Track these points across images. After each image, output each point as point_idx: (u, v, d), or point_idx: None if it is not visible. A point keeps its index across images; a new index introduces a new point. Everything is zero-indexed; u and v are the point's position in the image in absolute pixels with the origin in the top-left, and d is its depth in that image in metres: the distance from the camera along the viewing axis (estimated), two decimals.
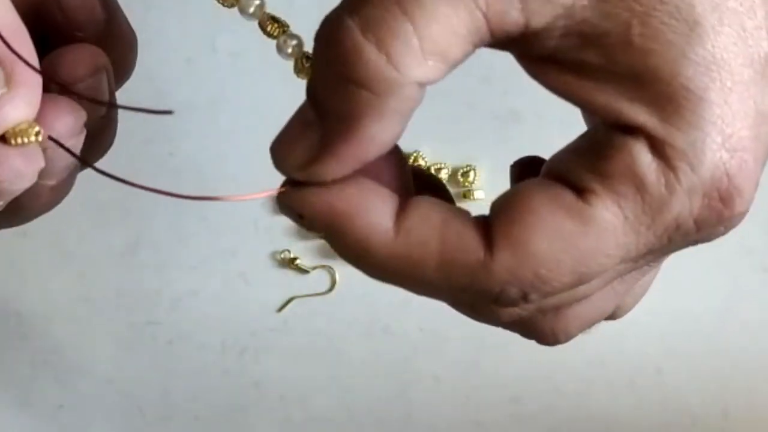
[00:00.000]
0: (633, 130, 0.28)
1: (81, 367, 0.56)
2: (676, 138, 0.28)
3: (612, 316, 0.35)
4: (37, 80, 0.30)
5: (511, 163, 0.34)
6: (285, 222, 0.58)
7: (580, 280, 0.29)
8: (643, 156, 0.28)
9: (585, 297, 0.31)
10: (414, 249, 0.29)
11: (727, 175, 0.28)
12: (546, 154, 0.32)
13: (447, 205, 0.30)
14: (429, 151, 0.57)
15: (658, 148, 0.28)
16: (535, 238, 0.29)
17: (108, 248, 0.58)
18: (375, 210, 0.29)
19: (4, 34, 0.28)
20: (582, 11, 0.28)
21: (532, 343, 0.54)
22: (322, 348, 0.57)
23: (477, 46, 0.29)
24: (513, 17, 0.28)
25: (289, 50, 0.31)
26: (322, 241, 0.58)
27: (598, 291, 0.31)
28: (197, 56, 0.59)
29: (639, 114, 0.28)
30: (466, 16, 0.28)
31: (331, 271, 0.58)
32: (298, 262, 0.58)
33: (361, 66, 0.27)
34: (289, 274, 0.58)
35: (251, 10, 0.32)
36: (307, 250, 0.58)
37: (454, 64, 0.29)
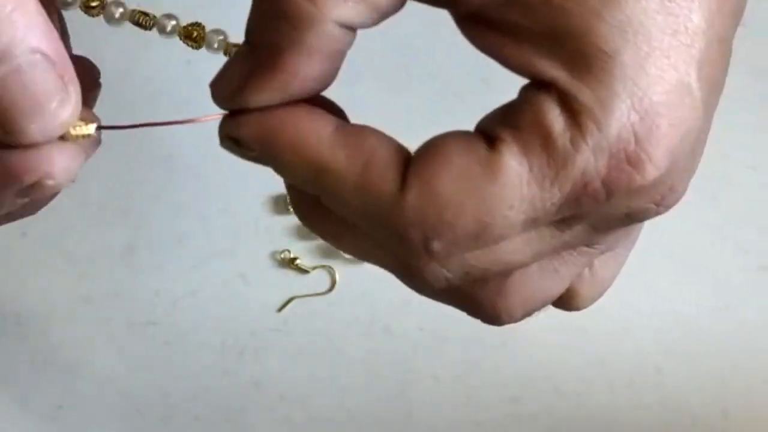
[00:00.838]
0: (546, 86, 0.29)
1: (80, 367, 0.56)
2: (585, 94, 0.28)
3: (569, 305, 0.35)
4: (77, 78, 0.31)
5: None
6: (285, 222, 0.59)
7: (485, 232, 0.29)
8: (551, 110, 0.28)
9: (508, 265, 0.31)
10: (339, 161, 0.30)
11: (635, 136, 0.28)
12: None
13: (387, 136, 0.31)
14: None
15: (567, 103, 0.28)
16: (441, 178, 0.29)
17: (108, 248, 0.58)
18: (311, 117, 0.30)
19: (42, 34, 0.29)
20: None
21: (532, 343, 0.54)
22: (322, 348, 0.57)
23: None
24: None
25: None
26: (322, 241, 0.58)
27: (527, 262, 0.31)
28: (197, 57, 0.59)
29: (551, 69, 0.28)
30: None
31: (331, 271, 0.58)
32: (298, 262, 0.58)
33: (283, 2, 0.29)
34: (289, 274, 0.58)
35: (215, 45, 0.34)
36: (307, 250, 0.58)
37: (381, 12, 0.30)
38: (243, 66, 0.30)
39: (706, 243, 0.58)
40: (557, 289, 0.33)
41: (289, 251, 0.58)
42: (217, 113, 0.32)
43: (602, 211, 0.30)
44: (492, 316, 0.33)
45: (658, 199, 0.30)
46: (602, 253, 0.34)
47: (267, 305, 0.57)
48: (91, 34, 0.59)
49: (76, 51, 0.35)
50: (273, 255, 0.58)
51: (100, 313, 0.57)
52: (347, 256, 0.57)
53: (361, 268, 0.57)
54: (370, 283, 0.57)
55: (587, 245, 0.33)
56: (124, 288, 0.57)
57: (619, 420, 0.56)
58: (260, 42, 0.30)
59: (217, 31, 0.35)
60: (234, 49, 0.34)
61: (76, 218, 0.59)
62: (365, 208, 0.30)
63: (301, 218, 0.33)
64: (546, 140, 0.28)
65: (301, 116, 0.30)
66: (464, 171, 0.29)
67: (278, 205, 0.59)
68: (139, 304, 0.57)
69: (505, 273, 0.32)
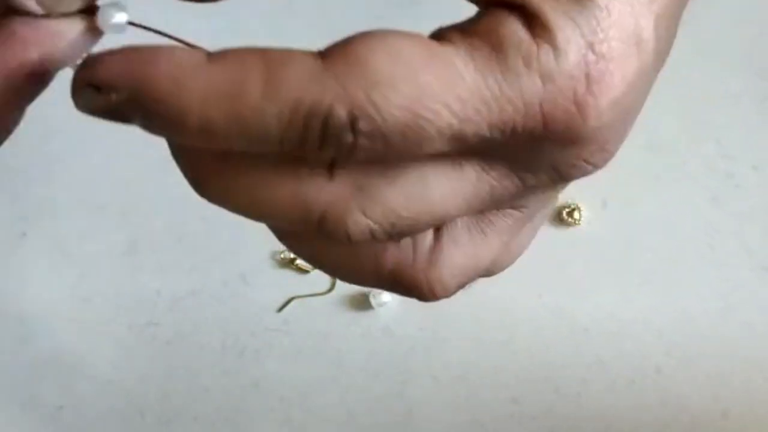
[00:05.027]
0: (513, 6, 0.27)
1: (81, 367, 0.56)
2: (551, 20, 0.27)
3: (488, 272, 0.33)
4: None
5: None
6: None
7: (413, 128, 0.26)
8: (511, 24, 0.27)
9: (436, 215, 0.29)
10: (234, 71, 0.25)
11: (587, 77, 0.27)
12: None
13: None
14: None
15: (530, 23, 0.27)
16: (376, 54, 0.26)
17: (108, 248, 0.58)
18: (180, 50, 0.26)
19: None
20: None
21: (532, 342, 0.54)
22: (322, 348, 0.57)
23: None
24: None
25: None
26: None
27: (454, 213, 0.29)
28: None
29: None
30: None
31: None
32: (298, 262, 0.58)
33: None
34: (289, 274, 0.58)
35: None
36: None
37: None
38: None
39: (707, 243, 0.58)
40: (488, 255, 0.31)
41: (289, 251, 0.58)
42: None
43: (531, 153, 0.29)
44: (426, 291, 0.31)
45: (588, 155, 0.29)
46: (529, 220, 0.32)
47: (267, 305, 0.57)
48: None
49: None
50: (273, 255, 0.58)
51: (100, 313, 0.57)
52: None
53: None
54: None
55: (513, 207, 0.31)
56: (125, 288, 0.57)
57: (619, 420, 0.56)
58: None
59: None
60: None
61: (76, 218, 0.59)
62: (282, 104, 0.25)
63: (193, 183, 0.29)
64: (498, 49, 0.27)
65: (166, 47, 0.26)
66: (400, 52, 0.26)
67: None
68: (140, 304, 0.57)
69: (434, 227, 0.30)
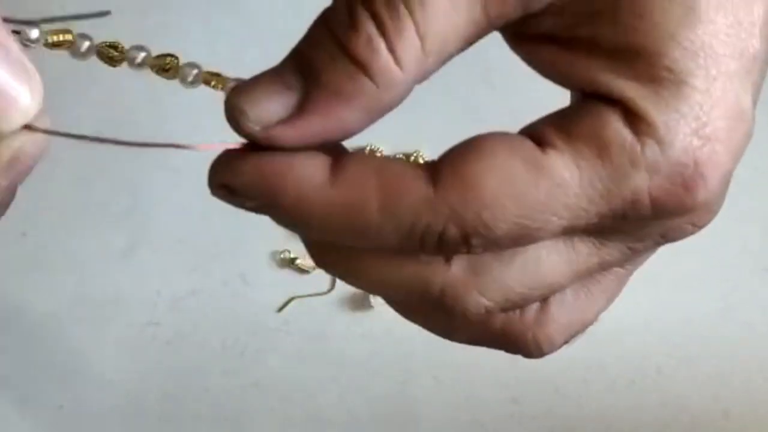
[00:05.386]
0: (612, 102, 0.28)
1: (81, 367, 0.56)
2: (652, 115, 0.27)
3: (592, 324, 0.34)
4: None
5: None
6: None
7: (523, 233, 0.28)
8: (614, 123, 0.28)
9: (548, 288, 0.30)
10: (353, 194, 0.28)
11: (695, 161, 0.28)
12: None
13: (385, 157, 0.29)
14: (429, 151, 0.57)
15: (631, 120, 0.28)
16: (483, 176, 0.27)
17: (108, 249, 0.58)
18: (306, 164, 0.28)
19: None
20: None
21: None
22: (322, 348, 0.57)
23: (475, 39, 0.29)
24: (511, 5, 0.28)
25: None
26: None
27: (565, 284, 0.30)
28: (197, 58, 0.59)
29: (621, 86, 0.28)
30: (465, 11, 0.28)
31: None
32: (298, 262, 0.58)
33: (371, 55, 0.27)
34: (289, 274, 0.58)
35: (190, 79, 0.32)
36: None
37: (450, 59, 0.29)
38: (292, 97, 0.28)
39: (708, 243, 0.58)
40: (593, 312, 0.32)
41: (289, 251, 0.58)
42: (214, 143, 0.29)
43: (641, 229, 0.29)
44: (534, 349, 0.32)
45: (696, 220, 0.30)
46: (631, 274, 0.33)
47: (267, 305, 0.57)
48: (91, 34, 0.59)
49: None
50: (273, 255, 0.58)
51: (100, 313, 0.57)
52: None
53: None
54: None
55: (620, 266, 0.32)
56: (125, 288, 0.57)
57: (619, 420, 0.56)
58: (320, 80, 0.27)
59: (192, 65, 0.32)
60: (215, 79, 0.32)
61: (76, 218, 0.59)
62: (396, 225, 0.28)
63: (324, 268, 0.31)
64: (603, 152, 0.27)
65: (296, 156, 0.28)
66: (508, 172, 0.27)
67: None
68: (140, 304, 0.57)
69: (544, 298, 0.31)
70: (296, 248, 0.58)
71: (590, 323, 0.33)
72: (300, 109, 0.28)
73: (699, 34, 0.28)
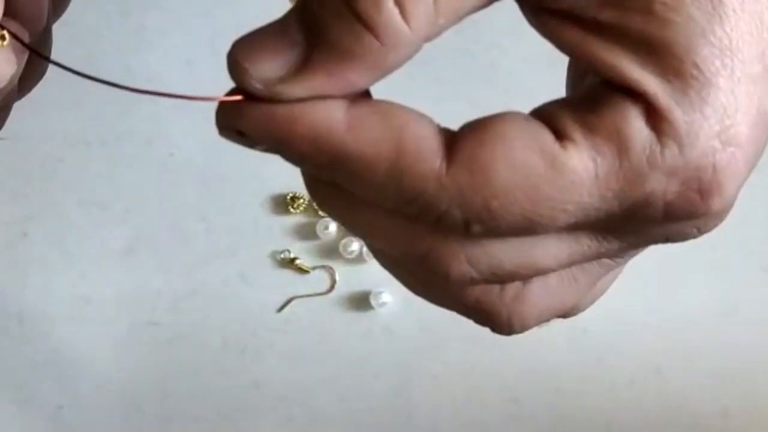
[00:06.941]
0: (634, 95, 0.27)
1: (81, 367, 0.56)
2: (675, 114, 0.26)
3: (566, 314, 0.33)
4: None
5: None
6: (285, 222, 0.58)
7: (528, 226, 0.27)
8: (635, 121, 0.27)
9: (538, 270, 0.29)
10: (364, 148, 0.27)
11: (714, 167, 0.27)
12: None
13: (413, 110, 0.28)
14: None
15: (654, 119, 0.27)
16: (498, 165, 0.27)
17: (108, 248, 0.58)
18: (322, 106, 0.27)
19: None
20: None
21: (533, 342, 0.54)
22: (322, 348, 0.57)
23: (491, 1, 0.28)
24: None
25: None
26: (322, 241, 0.58)
27: (556, 269, 0.30)
28: (197, 57, 0.59)
29: (646, 80, 0.27)
30: None
31: (331, 271, 0.58)
32: (298, 262, 0.58)
33: (377, 12, 0.26)
34: (289, 274, 0.58)
35: None
36: (307, 250, 0.58)
37: (463, 19, 0.28)
38: (295, 53, 0.27)
39: (708, 243, 0.58)
40: (573, 299, 0.32)
41: (289, 251, 0.58)
42: (218, 96, 0.28)
43: (648, 231, 0.29)
44: (505, 327, 0.31)
45: (702, 226, 0.29)
46: (620, 267, 0.32)
47: (267, 305, 0.57)
48: (91, 34, 0.59)
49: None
50: (273, 255, 0.58)
51: (100, 313, 0.57)
52: (347, 255, 0.57)
53: (361, 268, 0.57)
54: (370, 283, 0.57)
55: (612, 258, 0.31)
56: (125, 288, 0.57)
57: (619, 420, 0.56)
58: (328, 38, 0.27)
59: None
60: None
61: (76, 218, 0.59)
62: (400, 191, 0.27)
63: (319, 204, 0.30)
64: (621, 150, 0.27)
65: (312, 101, 0.27)
66: (524, 163, 0.27)
67: (278, 205, 0.59)
68: (140, 304, 0.57)
69: (533, 276, 0.30)
70: (296, 248, 0.58)
71: (567, 310, 0.32)
72: (303, 66, 0.27)
73: (727, 30, 0.27)
